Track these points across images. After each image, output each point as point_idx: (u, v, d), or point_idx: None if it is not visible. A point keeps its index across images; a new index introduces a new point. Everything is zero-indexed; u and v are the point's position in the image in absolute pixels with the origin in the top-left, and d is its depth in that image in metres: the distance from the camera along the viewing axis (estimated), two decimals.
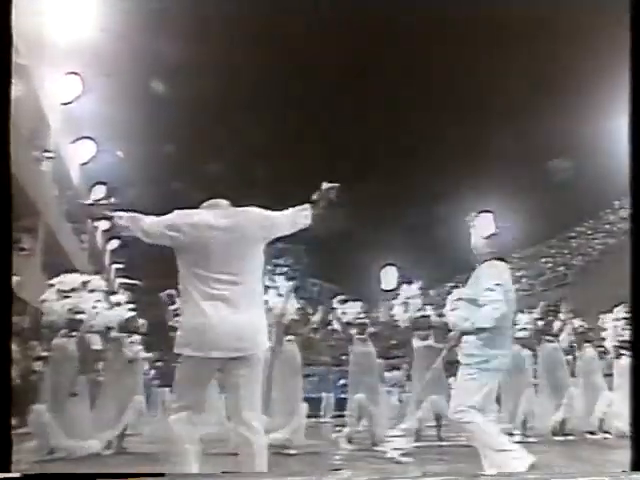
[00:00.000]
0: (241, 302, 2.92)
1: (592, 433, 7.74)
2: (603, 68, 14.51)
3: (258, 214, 3.08)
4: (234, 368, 2.91)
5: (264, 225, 3.05)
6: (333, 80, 24.52)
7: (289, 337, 6.85)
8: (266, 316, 3.17)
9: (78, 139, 17.36)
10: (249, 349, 2.91)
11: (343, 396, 8.83)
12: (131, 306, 7.06)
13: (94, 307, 6.42)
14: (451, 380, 6.39)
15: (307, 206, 3.13)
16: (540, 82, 22.49)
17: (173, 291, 6.18)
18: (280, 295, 6.89)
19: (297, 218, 3.12)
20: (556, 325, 8.23)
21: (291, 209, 3.13)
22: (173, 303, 6.37)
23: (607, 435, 7.58)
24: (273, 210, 3.20)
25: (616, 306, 8.13)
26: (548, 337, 8.06)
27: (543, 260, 27.83)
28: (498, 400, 7.19)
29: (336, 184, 3.12)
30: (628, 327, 6.88)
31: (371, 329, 7.32)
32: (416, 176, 23.67)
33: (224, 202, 3.11)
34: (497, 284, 3.71)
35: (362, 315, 7.27)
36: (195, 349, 2.89)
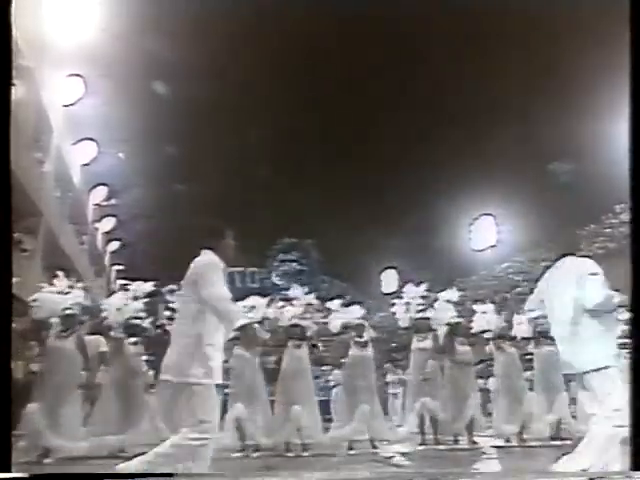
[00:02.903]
0: None
1: None
2: (603, 69, 14.51)
3: None
4: None
5: None
6: (338, 79, 24.52)
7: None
8: None
9: (79, 140, 17.38)
10: None
11: None
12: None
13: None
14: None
15: None
16: (540, 83, 22.47)
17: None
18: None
19: None
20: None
21: None
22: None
23: None
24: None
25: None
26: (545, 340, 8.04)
27: (543, 264, 27.74)
28: None
29: None
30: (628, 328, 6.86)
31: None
32: (414, 176, 23.63)
33: None
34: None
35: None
36: None
